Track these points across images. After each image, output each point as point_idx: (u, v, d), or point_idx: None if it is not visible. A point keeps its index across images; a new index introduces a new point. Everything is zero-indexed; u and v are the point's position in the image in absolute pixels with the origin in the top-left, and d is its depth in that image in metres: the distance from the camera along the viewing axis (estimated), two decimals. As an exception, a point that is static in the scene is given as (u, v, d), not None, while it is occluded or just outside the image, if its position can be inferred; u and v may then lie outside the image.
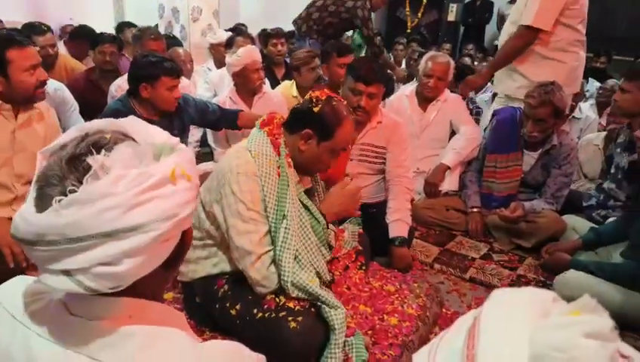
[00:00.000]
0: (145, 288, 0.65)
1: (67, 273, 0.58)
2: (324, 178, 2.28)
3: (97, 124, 0.66)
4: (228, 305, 1.51)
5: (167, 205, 0.60)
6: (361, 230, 1.98)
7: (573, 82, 2.76)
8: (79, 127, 0.66)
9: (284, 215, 1.46)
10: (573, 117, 3.48)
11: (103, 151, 0.61)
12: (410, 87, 2.91)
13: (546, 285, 2.08)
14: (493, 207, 2.54)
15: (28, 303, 0.66)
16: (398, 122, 2.27)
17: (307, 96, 1.57)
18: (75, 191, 0.58)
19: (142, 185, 0.59)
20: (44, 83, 1.83)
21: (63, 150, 0.63)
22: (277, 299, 1.48)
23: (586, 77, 4.64)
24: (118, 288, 0.60)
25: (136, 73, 2.24)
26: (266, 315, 1.44)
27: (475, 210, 2.57)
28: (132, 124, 0.67)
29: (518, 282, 2.13)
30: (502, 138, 2.55)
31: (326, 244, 1.66)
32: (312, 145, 1.52)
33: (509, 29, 2.83)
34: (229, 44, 3.61)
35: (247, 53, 2.76)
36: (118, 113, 2.32)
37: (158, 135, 0.67)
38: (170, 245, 0.64)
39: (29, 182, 1.86)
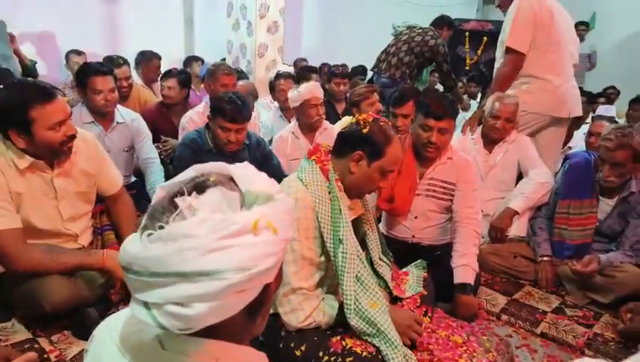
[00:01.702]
0: (230, 333, 0.66)
1: (146, 305, 0.60)
2: (387, 209, 2.25)
3: (211, 166, 0.69)
4: (292, 345, 1.48)
5: (244, 256, 0.60)
6: (426, 274, 1.92)
7: (545, 110, 2.89)
8: (196, 166, 0.70)
9: (339, 239, 1.47)
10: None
11: (194, 193, 0.63)
12: (477, 130, 2.84)
13: (627, 346, 1.92)
14: (565, 257, 2.39)
15: (130, 334, 0.69)
16: (468, 161, 2.23)
17: (353, 120, 1.59)
18: (163, 228, 0.60)
19: (222, 232, 0.59)
20: (72, 138, 1.71)
21: (174, 187, 0.66)
22: (343, 342, 1.47)
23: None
24: (188, 330, 0.60)
25: (210, 106, 2.40)
26: (332, 359, 1.43)
27: (545, 258, 2.43)
28: (241, 169, 0.69)
29: (595, 341, 1.97)
30: (576, 183, 2.42)
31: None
32: (363, 166, 1.53)
33: (499, 51, 2.96)
34: (272, 88, 3.79)
35: (308, 90, 2.84)
36: (193, 142, 2.45)
37: (261, 182, 0.68)
38: (246, 296, 0.63)
39: (82, 217, 1.93)
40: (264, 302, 0.69)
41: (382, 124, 1.57)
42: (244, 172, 0.69)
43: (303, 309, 1.47)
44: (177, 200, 0.62)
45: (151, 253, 0.59)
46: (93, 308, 1.77)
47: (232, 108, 2.30)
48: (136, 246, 0.61)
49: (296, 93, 2.84)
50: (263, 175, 0.70)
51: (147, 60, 4.04)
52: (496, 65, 2.99)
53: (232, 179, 0.68)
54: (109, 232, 2.08)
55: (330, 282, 1.59)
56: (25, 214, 1.72)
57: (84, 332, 1.74)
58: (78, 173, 1.86)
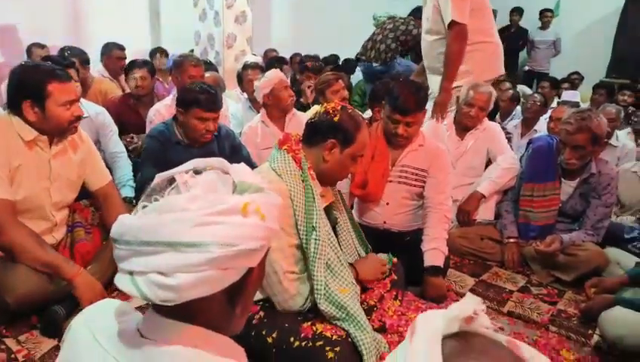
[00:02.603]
0: (209, 320, 0.67)
1: (130, 273, 0.63)
2: (360, 194, 2.28)
3: (213, 160, 0.72)
4: (264, 332, 1.50)
5: (230, 232, 0.62)
6: (395, 259, 1.96)
7: (491, 70, 3.04)
8: (195, 161, 0.72)
9: (313, 226, 1.50)
10: (610, 144, 3.40)
11: (191, 172, 0.67)
12: (449, 116, 2.89)
13: (587, 321, 2.00)
14: (530, 237, 2.47)
15: (109, 325, 0.70)
16: (440, 148, 2.26)
17: (322, 109, 1.62)
18: (158, 201, 0.64)
19: (212, 208, 0.62)
20: (78, 118, 1.83)
21: (172, 173, 0.70)
22: (314, 327, 1.48)
23: (626, 106, 4.56)
24: (168, 302, 0.62)
25: (178, 97, 2.38)
26: (303, 344, 1.44)
27: (511, 240, 2.51)
28: (237, 167, 0.72)
29: (559, 317, 2.05)
30: (538, 166, 2.50)
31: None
32: (336, 154, 1.57)
33: (426, 40, 3.11)
34: (240, 79, 3.78)
35: (274, 74, 2.89)
36: (161, 134, 2.41)
37: (252, 177, 0.70)
38: (229, 275, 0.65)
39: (65, 207, 1.96)
40: (245, 287, 0.70)
41: (350, 111, 1.60)
42: (239, 168, 0.72)
43: (301, 293, 1.52)
44: (176, 175, 0.67)
45: (145, 222, 0.62)
46: (60, 305, 1.75)
47: (208, 97, 2.29)
48: (131, 218, 0.65)
49: (264, 80, 2.86)
50: (256, 174, 0.74)
51: (108, 51, 3.96)
52: (428, 40, 3.07)
53: (225, 171, 0.71)
54: (79, 229, 2.07)
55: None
56: (17, 189, 1.75)
57: (52, 330, 1.72)
58: (72, 161, 1.94)
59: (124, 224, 0.64)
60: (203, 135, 2.36)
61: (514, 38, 7.19)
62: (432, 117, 2.98)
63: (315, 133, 1.59)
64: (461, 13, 2.83)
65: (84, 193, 2.11)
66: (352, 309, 1.48)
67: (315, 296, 1.49)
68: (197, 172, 0.69)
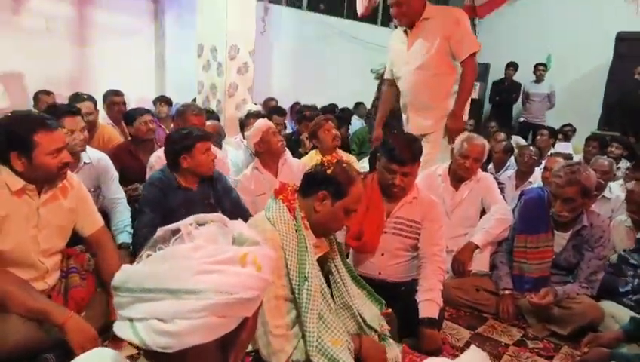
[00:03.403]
0: None
1: (130, 320, 0.65)
2: (356, 246, 2.29)
3: (213, 216, 0.77)
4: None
5: (228, 281, 0.66)
6: (389, 309, 1.95)
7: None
8: (196, 216, 0.76)
9: (305, 276, 1.51)
10: (604, 196, 3.45)
11: (195, 224, 0.71)
12: (443, 166, 2.95)
13: (585, 377, 1.97)
14: (525, 289, 2.47)
15: None
16: (433, 200, 2.30)
17: (318, 162, 1.67)
18: (162, 249, 0.68)
19: (213, 257, 0.66)
20: (66, 165, 1.82)
21: (175, 226, 0.74)
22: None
23: (620, 157, 4.66)
24: (167, 349, 0.63)
25: (173, 148, 2.42)
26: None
27: (506, 292, 2.50)
28: (236, 223, 0.76)
29: (555, 372, 2.02)
30: (531, 218, 2.53)
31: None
32: (327, 205, 1.59)
33: (417, 76, 3.11)
34: (242, 126, 3.87)
35: (262, 122, 3.04)
36: (160, 181, 2.46)
37: (249, 231, 0.75)
38: (225, 323, 0.67)
39: (56, 254, 1.95)
40: (239, 337, 0.72)
41: (345, 165, 1.65)
42: (237, 223, 0.76)
43: (284, 350, 1.50)
44: (181, 226, 0.71)
45: (148, 269, 0.65)
46: (51, 354, 1.72)
47: (202, 132, 2.48)
48: (134, 266, 0.68)
49: (253, 129, 3.00)
50: (252, 229, 0.78)
51: (107, 98, 4.08)
52: (421, 76, 3.08)
53: (225, 225, 0.76)
54: (74, 275, 2.05)
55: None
56: (4, 239, 1.73)
57: (41, 379, 1.69)
58: (62, 208, 1.92)
59: (126, 272, 0.67)
60: (212, 166, 2.49)
61: (508, 91, 7.43)
62: (448, 142, 3.12)
63: (309, 184, 1.64)
64: (476, 43, 3.07)
65: (80, 238, 2.10)
66: None
67: (308, 348, 1.48)
68: (200, 224, 0.73)
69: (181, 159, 2.39)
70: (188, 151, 2.38)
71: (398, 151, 2.14)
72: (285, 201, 1.61)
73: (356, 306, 1.76)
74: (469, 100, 3.19)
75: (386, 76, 3.39)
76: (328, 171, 1.60)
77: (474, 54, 3.02)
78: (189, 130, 2.48)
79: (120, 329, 0.66)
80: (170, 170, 2.47)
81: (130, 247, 2.46)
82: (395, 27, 3.06)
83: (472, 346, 0.96)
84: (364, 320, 1.74)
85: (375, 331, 1.77)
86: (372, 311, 1.82)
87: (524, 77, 7.32)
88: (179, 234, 0.69)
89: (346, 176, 1.61)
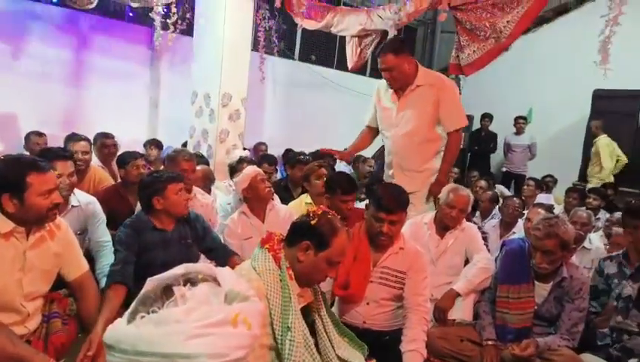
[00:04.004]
0: None
1: None
2: (343, 295, 2.31)
3: (199, 266, 0.79)
4: None
5: (221, 344, 0.69)
6: (373, 360, 1.96)
7: None
8: (185, 265, 0.79)
9: (288, 326, 1.50)
10: (584, 247, 3.53)
11: (189, 285, 0.72)
12: (429, 215, 3.02)
13: None
14: (508, 340, 2.47)
15: None
16: (419, 251, 2.35)
17: (304, 213, 1.71)
18: (156, 312, 0.69)
19: (206, 320, 0.69)
20: (57, 205, 1.85)
21: (165, 280, 0.76)
22: None
23: (598, 208, 4.79)
24: None
25: (145, 192, 2.48)
26: None
27: (490, 342, 2.50)
28: (224, 274, 0.79)
29: None
30: (512, 268, 2.58)
31: None
32: (310, 256, 1.62)
33: (405, 141, 3.19)
34: (233, 171, 3.94)
35: (250, 169, 3.12)
36: (135, 223, 2.48)
37: (239, 285, 0.78)
38: None
39: (39, 297, 1.95)
40: None
41: (330, 217, 1.69)
42: (226, 275, 0.79)
43: None
44: (174, 288, 0.73)
45: (142, 333, 0.67)
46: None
47: (172, 174, 2.56)
48: (127, 327, 0.70)
49: (242, 175, 3.06)
50: (242, 279, 0.81)
51: (97, 141, 4.14)
52: (409, 142, 3.16)
53: (215, 279, 0.78)
54: (56, 319, 2.04)
55: None
56: None
57: None
58: (49, 252, 1.93)
59: (119, 331, 0.69)
60: (186, 205, 2.52)
61: (485, 141, 7.67)
62: (427, 201, 3.22)
63: (294, 234, 1.68)
64: (464, 118, 3.22)
65: (63, 282, 2.09)
66: None
67: None
68: (192, 283, 0.76)
69: (154, 201, 2.43)
70: (160, 194, 2.43)
71: (385, 200, 2.21)
72: (271, 251, 1.64)
73: (341, 355, 1.77)
74: None
75: (367, 123, 3.40)
76: (312, 222, 1.64)
77: (460, 128, 3.14)
78: (161, 173, 2.55)
79: None
80: (145, 213, 2.51)
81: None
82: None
83: None
84: None
85: None
86: (357, 356, 1.82)
87: (505, 128, 7.57)
88: (172, 298, 0.72)
89: (330, 227, 1.65)
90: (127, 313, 0.73)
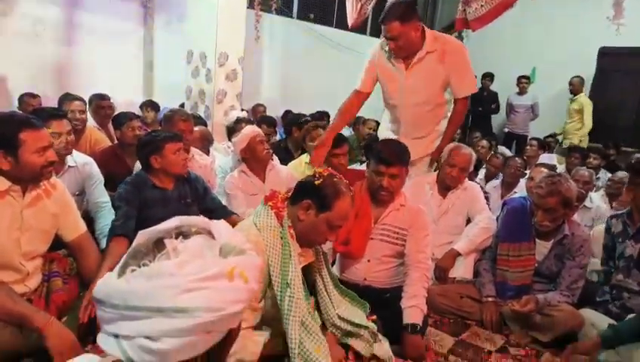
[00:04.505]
0: None
1: (116, 336, 0.64)
2: (343, 251, 2.31)
3: (193, 219, 0.76)
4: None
5: (217, 297, 0.65)
6: (374, 316, 1.96)
7: None
8: (179, 218, 0.76)
9: (287, 283, 1.51)
10: (585, 206, 3.52)
11: (181, 237, 0.70)
12: (432, 174, 2.98)
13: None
14: (507, 297, 2.50)
15: None
16: (420, 208, 2.33)
17: (311, 173, 1.69)
18: (147, 266, 0.66)
19: (200, 274, 0.65)
20: (52, 163, 1.84)
21: (157, 233, 0.73)
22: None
23: (598, 167, 4.77)
24: None
25: (143, 151, 2.47)
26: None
27: (489, 299, 2.54)
28: (219, 227, 0.76)
29: (536, 379, 2.05)
30: (513, 227, 2.58)
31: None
32: (311, 215, 1.60)
33: (416, 110, 2.95)
34: (231, 132, 3.87)
35: (249, 129, 3.06)
36: (136, 180, 2.48)
37: (235, 238, 0.74)
38: (212, 338, 0.67)
39: (38, 257, 1.94)
40: (224, 347, 0.72)
41: (335, 179, 1.66)
42: (222, 228, 0.75)
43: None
44: (166, 241, 0.69)
45: (133, 287, 0.64)
46: (31, 359, 1.70)
47: (171, 134, 2.53)
48: (117, 281, 0.66)
49: (240, 135, 3.02)
50: (237, 232, 0.77)
51: (92, 102, 4.05)
52: (420, 111, 2.96)
53: (210, 233, 0.74)
54: (57, 279, 2.04)
55: (270, 326, 1.61)
56: None
57: (20, 384, 1.66)
58: (46, 212, 1.92)
59: (110, 286, 0.66)
60: (184, 165, 2.52)
61: (487, 101, 7.54)
62: (430, 165, 3.10)
63: (297, 193, 1.66)
64: (474, 84, 3.04)
65: (62, 243, 2.09)
66: None
67: (290, 354, 1.48)
68: (185, 236, 0.72)
69: (152, 160, 2.43)
70: (158, 152, 2.43)
71: (385, 153, 2.19)
72: (274, 208, 1.62)
73: (342, 314, 1.77)
74: None
75: (359, 88, 3.02)
76: (317, 182, 1.62)
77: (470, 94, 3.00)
78: (159, 132, 2.55)
79: (105, 343, 0.65)
80: (145, 171, 2.51)
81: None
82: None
83: None
84: (352, 322, 1.75)
85: (366, 328, 1.78)
86: (359, 314, 1.83)
87: (508, 88, 7.43)
88: (164, 251, 0.68)
89: (334, 190, 1.62)
90: (117, 267, 0.69)
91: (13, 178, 1.78)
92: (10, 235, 1.80)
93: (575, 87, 6.56)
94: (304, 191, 1.63)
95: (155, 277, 0.64)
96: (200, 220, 0.77)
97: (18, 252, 1.84)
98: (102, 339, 0.66)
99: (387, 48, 2.85)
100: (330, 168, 1.77)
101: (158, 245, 0.70)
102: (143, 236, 0.73)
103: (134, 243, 0.72)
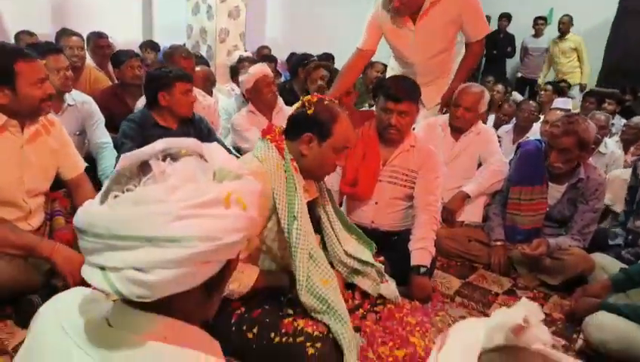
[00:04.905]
0: (183, 310, 0.64)
1: (102, 269, 0.59)
2: (350, 192, 2.26)
3: (182, 141, 0.69)
4: (244, 328, 1.47)
5: (212, 226, 0.59)
6: (382, 257, 1.93)
7: None
8: (166, 140, 0.68)
9: (294, 216, 1.48)
10: (599, 151, 3.42)
11: (169, 159, 0.62)
12: (445, 117, 2.87)
13: (572, 325, 2.00)
14: (517, 241, 2.46)
15: (77, 313, 0.67)
16: (431, 149, 2.24)
17: (299, 103, 1.60)
18: (132, 191, 0.59)
19: (193, 200, 0.58)
20: (50, 96, 1.80)
21: (142, 156, 0.65)
22: (295, 323, 1.46)
23: (613, 113, 4.62)
24: (145, 298, 0.58)
25: (152, 84, 2.40)
26: (284, 340, 1.42)
27: (498, 243, 2.50)
28: (211, 148, 0.69)
29: (544, 320, 2.04)
30: (526, 170, 2.49)
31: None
32: (315, 148, 1.54)
33: (432, 60, 2.83)
34: (234, 72, 3.73)
35: (258, 69, 2.95)
36: (139, 118, 2.43)
37: (230, 162, 0.67)
38: (209, 268, 0.62)
39: (40, 194, 1.91)
40: (223, 278, 0.68)
41: (326, 103, 1.57)
42: (214, 151, 0.68)
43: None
44: (152, 162, 0.61)
45: (117, 214, 0.58)
46: (37, 294, 1.70)
47: (183, 72, 2.45)
48: (99, 208, 0.60)
49: (248, 74, 2.93)
50: (232, 156, 0.70)
51: (91, 41, 3.90)
52: (435, 60, 2.84)
53: (201, 156, 0.67)
54: (59, 217, 2.03)
55: (273, 259, 1.60)
56: None
57: (26, 320, 1.64)
58: (46, 148, 1.89)
59: (91, 214, 0.60)
60: (191, 107, 2.46)
61: (502, 44, 7.22)
62: (440, 110, 2.98)
63: (293, 127, 1.58)
64: (487, 25, 2.89)
65: (61, 182, 2.07)
66: (333, 302, 1.45)
67: (297, 286, 1.46)
68: (173, 158, 0.64)
69: (159, 96, 2.36)
70: (167, 89, 2.36)
71: (394, 89, 2.09)
72: (273, 141, 1.56)
73: (348, 250, 1.73)
74: None
75: (362, 46, 2.84)
76: (309, 111, 1.53)
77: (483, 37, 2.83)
78: (171, 68, 2.44)
79: (90, 275, 0.59)
80: (149, 108, 2.44)
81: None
82: None
83: (523, 298, 0.88)
84: (359, 259, 1.72)
85: (373, 266, 1.76)
86: (366, 252, 1.79)
87: (524, 31, 7.11)
88: (150, 174, 0.60)
89: (329, 115, 1.54)
90: (99, 193, 0.62)
91: (11, 112, 1.73)
92: (11, 171, 1.78)
93: (565, 26, 6.41)
94: (300, 125, 1.55)
95: (142, 203, 0.57)
96: (191, 141, 0.69)
97: (21, 189, 1.82)
98: (87, 272, 0.60)
99: (390, 7, 2.66)
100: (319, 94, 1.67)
101: (143, 168, 0.63)
102: (126, 159, 0.65)
103: (117, 167, 0.65)
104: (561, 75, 6.52)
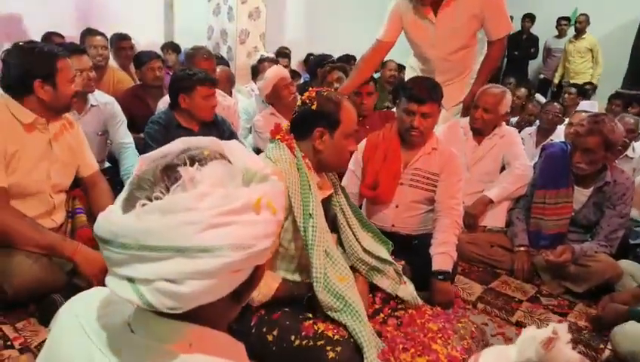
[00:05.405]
0: (209, 316, 0.62)
1: (131, 281, 0.56)
2: (371, 196, 2.23)
3: (201, 140, 0.67)
4: (264, 330, 1.46)
5: (244, 233, 0.57)
6: (403, 261, 1.90)
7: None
8: (184, 139, 0.66)
9: (309, 213, 1.47)
10: (626, 155, 3.32)
11: (197, 164, 0.60)
12: (466, 119, 2.81)
13: (599, 334, 1.94)
14: (541, 246, 2.40)
15: (98, 315, 0.66)
16: (453, 152, 2.21)
17: (299, 102, 1.60)
18: (161, 199, 0.57)
19: (224, 207, 0.56)
20: (77, 93, 1.88)
21: (162, 158, 0.63)
22: (315, 327, 1.44)
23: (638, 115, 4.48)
24: (176, 310, 0.56)
25: (174, 86, 2.43)
26: (304, 343, 1.41)
27: (522, 248, 2.44)
28: (232, 147, 0.67)
29: (569, 329, 1.98)
30: (551, 173, 2.44)
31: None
32: (327, 140, 1.54)
33: (454, 56, 2.82)
34: (255, 72, 3.73)
35: (274, 73, 2.93)
36: (163, 119, 2.45)
37: (254, 162, 0.66)
38: (239, 277, 0.61)
39: (63, 191, 1.95)
40: (252, 285, 0.66)
41: (325, 93, 1.57)
42: (235, 149, 0.66)
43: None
44: (181, 169, 0.59)
45: (145, 224, 0.55)
46: (59, 294, 1.71)
47: (206, 76, 2.45)
48: (125, 217, 0.57)
49: (265, 80, 2.94)
50: (254, 154, 0.69)
51: (113, 43, 3.94)
52: (456, 57, 2.82)
53: (223, 155, 0.65)
54: (81, 215, 2.06)
55: (291, 261, 1.60)
56: (13, 174, 1.74)
57: (49, 319, 1.67)
58: (67, 145, 1.96)
59: (115, 223, 0.57)
60: (211, 112, 2.47)
61: (525, 45, 7.09)
62: (462, 114, 2.94)
63: (300, 126, 1.57)
64: (509, 23, 2.83)
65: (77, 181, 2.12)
66: (350, 299, 1.44)
67: (314, 284, 1.44)
68: (200, 162, 0.62)
69: (180, 98, 2.39)
70: (187, 92, 2.38)
71: (416, 90, 2.06)
72: (284, 140, 1.56)
73: (367, 246, 1.71)
74: None
75: (382, 38, 2.83)
76: (313, 107, 1.52)
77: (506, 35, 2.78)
78: (196, 72, 2.45)
79: (116, 287, 0.57)
80: (172, 108, 2.47)
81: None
82: None
83: (552, 323, 0.85)
84: (377, 257, 1.70)
85: (391, 264, 1.73)
86: (383, 251, 1.77)
87: (547, 32, 6.98)
88: (179, 182, 0.58)
89: (333, 104, 1.54)
90: (120, 199, 0.61)
91: (45, 109, 1.79)
92: (41, 166, 1.83)
93: (582, 25, 6.33)
94: (307, 122, 1.54)
95: (171, 213, 0.55)
96: (209, 140, 0.67)
97: (49, 183, 1.87)
98: (113, 283, 0.58)
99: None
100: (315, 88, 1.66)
101: (167, 173, 0.60)
102: (145, 162, 0.63)
103: (137, 171, 0.62)
104: (573, 74, 6.40)
